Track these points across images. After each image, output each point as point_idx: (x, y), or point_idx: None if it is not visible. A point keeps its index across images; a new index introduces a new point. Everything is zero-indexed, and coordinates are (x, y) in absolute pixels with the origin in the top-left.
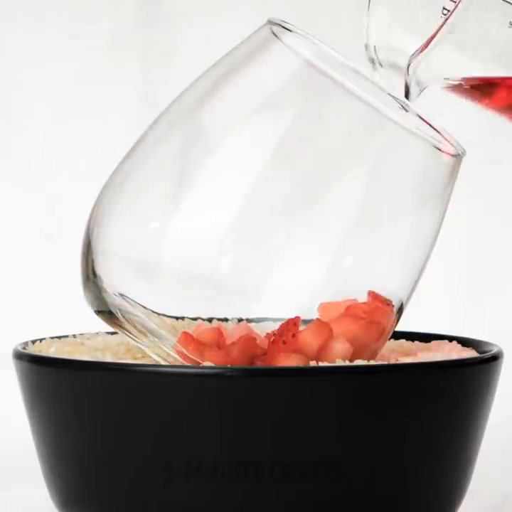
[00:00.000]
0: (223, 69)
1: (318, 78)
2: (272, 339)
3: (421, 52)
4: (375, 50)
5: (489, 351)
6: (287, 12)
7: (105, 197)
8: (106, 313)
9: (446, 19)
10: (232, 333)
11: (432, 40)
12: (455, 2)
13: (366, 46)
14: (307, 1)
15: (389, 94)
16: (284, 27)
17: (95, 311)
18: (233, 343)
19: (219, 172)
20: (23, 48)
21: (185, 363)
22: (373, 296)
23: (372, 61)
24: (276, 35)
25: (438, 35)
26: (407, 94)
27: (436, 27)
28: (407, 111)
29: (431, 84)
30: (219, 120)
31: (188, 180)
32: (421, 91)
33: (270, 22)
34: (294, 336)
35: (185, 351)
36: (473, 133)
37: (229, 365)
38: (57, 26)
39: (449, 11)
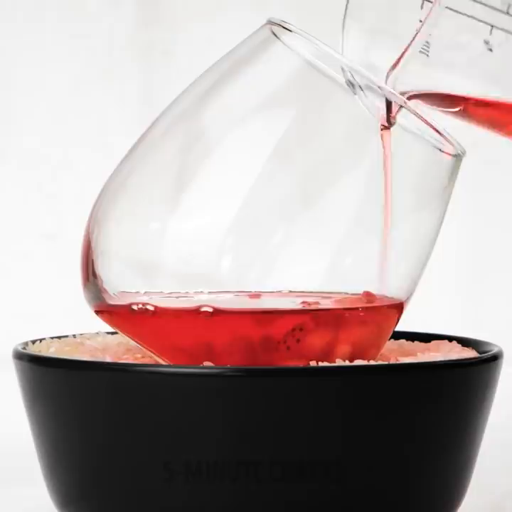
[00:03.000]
0: (223, 69)
1: (318, 78)
2: (274, 345)
3: (395, 67)
4: (352, 74)
5: (489, 351)
6: (287, 12)
7: (105, 197)
8: (106, 313)
9: (417, 32)
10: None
11: (404, 54)
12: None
13: (343, 69)
14: (307, 1)
15: (389, 93)
16: (283, 27)
17: (95, 311)
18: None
19: (219, 172)
20: (23, 48)
21: (185, 364)
22: (369, 296)
23: (350, 84)
24: (276, 35)
25: (410, 49)
26: (388, 111)
27: (409, 40)
28: (406, 109)
29: (411, 99)
30: (219, 120)
31: (188, 180)
32: (401, 107)
33: (270, 22)
34: (298, 341)
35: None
36: (473, 133)
37: (229, 365)
38: (57, 26)
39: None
